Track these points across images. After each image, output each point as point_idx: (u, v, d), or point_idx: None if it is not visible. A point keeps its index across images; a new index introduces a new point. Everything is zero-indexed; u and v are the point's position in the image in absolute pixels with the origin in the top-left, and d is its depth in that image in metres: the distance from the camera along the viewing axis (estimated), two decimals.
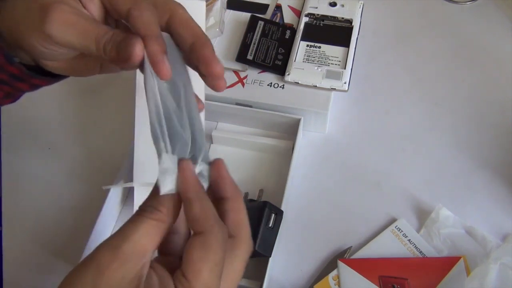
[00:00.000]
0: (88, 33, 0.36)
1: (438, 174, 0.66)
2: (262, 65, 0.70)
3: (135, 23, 0.35)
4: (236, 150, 0.69)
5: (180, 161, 0.34)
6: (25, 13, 0.37)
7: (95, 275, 0.31)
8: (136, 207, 0.34)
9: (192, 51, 0.37)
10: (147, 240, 0.32)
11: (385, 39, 0.78)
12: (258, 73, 0.71)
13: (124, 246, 0.31)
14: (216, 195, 0.36)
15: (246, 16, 0.76)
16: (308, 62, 0.70)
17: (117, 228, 0.33)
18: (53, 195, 0.68)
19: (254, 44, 0.72)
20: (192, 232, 0.34)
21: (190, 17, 0.38)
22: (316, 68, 0.69)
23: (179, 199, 0.34)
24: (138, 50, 0.34)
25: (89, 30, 0.36)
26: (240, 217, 0.36)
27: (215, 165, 0.37)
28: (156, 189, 0.34)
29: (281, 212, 0.59)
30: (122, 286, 0.31)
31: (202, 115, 0.40)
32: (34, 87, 0.46)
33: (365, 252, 0.61)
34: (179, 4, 0.38)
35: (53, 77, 0.45)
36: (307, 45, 0.71)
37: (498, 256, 0.57)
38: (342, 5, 0.74)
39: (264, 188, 0.65)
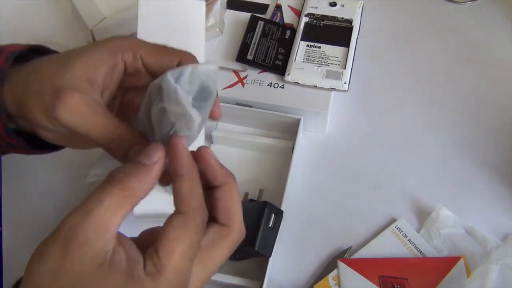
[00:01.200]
0: (96, 127, 0.36)
1: (438, 174, 0.66)
2: (262, 65, 0.70)
3: None
4: (236, 150, 0.69)
5: (173, 137, 0.34)
6: (37, 90, 0.37)
7: (60, 254, 0.30)
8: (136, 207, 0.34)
9: None
10: (110, 215, 0.31)
11: (385, 39, 0.78)
12: (258, 73, 0.71)
13: (86, 223, 0.31)
14: (208, 184, 0.36)
15: (246, 16, 0.76)
16: (308, 62, 0.70)
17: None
18: (53, 195, 0.68)
19: (254, 44, 0.72)
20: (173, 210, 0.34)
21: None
22: (316, 68, 0.69)
23: (156, 169, 0.33)
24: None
25: (98, 125, 0.36)
26: (230, 205, 0.36)
27: (200, 154, 0.36)
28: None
29: (281, 212, 0.59)
30: (85, 265, 0.30)
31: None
32: (28, 153, 0.48)
33: (365, 252, 0.61)
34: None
35: (47, 147, 0.46)
36: (307, 45, 0.71)
37: (499, 256, 0.57)
38: (342, 5, 0.74)
39: (264, 188, 0.65)
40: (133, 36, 0.51)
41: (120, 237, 0.33)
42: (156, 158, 0.33)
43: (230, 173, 0.37)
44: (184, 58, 0.38)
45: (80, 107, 0.36)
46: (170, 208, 0.34)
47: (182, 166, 0.34)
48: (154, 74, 0.39)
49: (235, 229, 0.36)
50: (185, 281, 0.33)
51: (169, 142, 0.34)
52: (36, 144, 0.45)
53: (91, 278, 0.31)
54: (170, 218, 0.33)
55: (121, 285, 0.31)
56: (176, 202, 0.33)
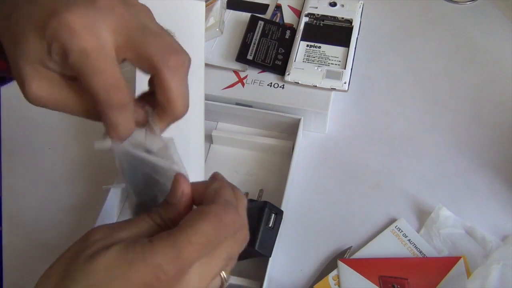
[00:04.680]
0: (68, 107, 0.35)
1: (438, 174, 0.66)
2: (262, 65, 0.70)
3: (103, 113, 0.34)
4: (236, 150, 0.69)
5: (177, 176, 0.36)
6: (10, 59, 0.36)
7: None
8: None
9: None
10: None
11: (385, 39, 0.78)
12: (258, 73, 0.71)
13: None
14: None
15: (246, 16, 0.76)
16: (308, 62, 0.70)
17: None
18: (53, 195, 0.68)
19: (254, 44, 0.72)
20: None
21: (176, 81, 0.35)
22: (316, 68, 0.69)
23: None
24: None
25: (68, 105, 0.35)
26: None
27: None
28: None
29: (281, 212, 0.59)
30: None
31: (202, 115, 0.41)
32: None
33: (365, 252, 0.61)
34: (165, 61, 0.34)
35: None
36: (307, 45, 0.71)
37: (499, 256, 0.57)
38: (342, 5, 0.74)
39: (264, 188, 0.65)
40: None
41: None
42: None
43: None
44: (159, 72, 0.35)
45: (42, 94, 0.34)
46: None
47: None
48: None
49: (214, 207, 0.34)
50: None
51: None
52: None
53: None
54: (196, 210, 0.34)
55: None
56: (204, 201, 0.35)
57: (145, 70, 0.35)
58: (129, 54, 0.34)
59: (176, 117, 0.37)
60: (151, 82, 0.36)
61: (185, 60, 0.35)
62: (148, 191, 0.38)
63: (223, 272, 0.35)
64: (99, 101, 0.33)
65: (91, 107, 0.35)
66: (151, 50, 0.34)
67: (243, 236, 0.36)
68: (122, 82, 0.33)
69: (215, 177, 0.38)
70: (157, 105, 0.36)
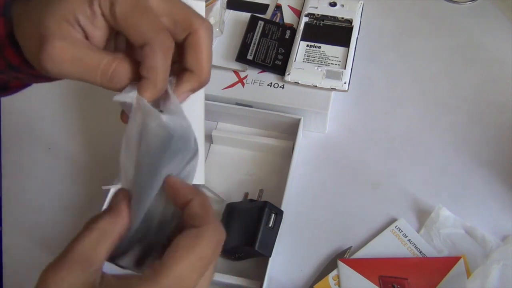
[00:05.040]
0: (85, 72, 0.35)
1: (438, 174, 0.66)
2: (262, 65, 0.70)
3: (144, 62, 0.34)
4: (236, 150, 0.69)
5: (167, 179, 0.35)
6: (28, 36, 0.36)
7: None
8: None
9: (187, 76, 0.37)
10: (91, 249, 0.32)
11: (385, 39, 0.78)
12: (258, 73, 0.71)
13: (68, 256, 0.32)
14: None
15: (246, 16, 0.76)
16: (308, 62, 0.70)
17: None
18: (53, 195, 0.68)
19: (254, 44, 0.72)
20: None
21: (207, 42, 0.37)
22: (316, 68, 0.69)
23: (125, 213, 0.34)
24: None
25: (86, 70, 0.35)
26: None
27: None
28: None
29: (281, 212, 0.59)
30: None
31: (202, 115, 0.40)
32: (31, 79, 0.45)
33: (365, 252, 0.61)
34: (202, 22, 0.36)
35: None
36: (307, 45, 0.71)
37: (499, 256, 0.57)
38: (342, 5, 0.74)
39: (264, 188, 0.65)
40: None
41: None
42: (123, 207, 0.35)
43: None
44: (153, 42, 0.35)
45: (63, 56, 0.34)
46: None
47: (183, 193, 0.35)
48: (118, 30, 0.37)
49: (209, 229, 0.34)
50: None
51: (166, 184, 0.35)
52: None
53: None
54: (183, 232, 0.33)
55: None
56: (190, 219, 0.34)
57: (179, 32, 0.36)
58: (165, 18, 0.36)
59: (203, 81, 0.37)
60: (178, 49, 0.37)
61: (211, 26, 0.38)
62: (149, 170, 0.36)
63: None
64: (149, 43, 0.34)
65: (113, 72, 0.35)
66: (189, 13, 0.36)
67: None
68: (167, 30, 0.35)
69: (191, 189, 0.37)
70: (183, 70, 0.37)
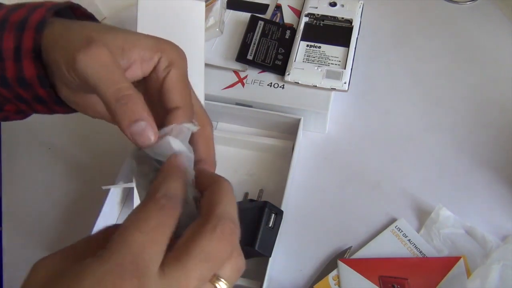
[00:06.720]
0: (107, 80, 0.36)
1: (438, 174, 0.66)
2: (262, 65, 0.70)
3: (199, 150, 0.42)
4: (236, 150, 0.69)
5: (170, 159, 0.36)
6: (72, 37, 0.38)
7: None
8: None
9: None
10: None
11: (385, 39, 0.78)
12: (258, 73, 0.71)
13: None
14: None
15: (246, 16, 0.76)
16: (308, 62, 0.70)
17: None
18: (53, 195, 0.68)
19: (254, 44, 0.72)
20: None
21: (211, 137, 0.43)
22: (316, 68, 0.69)
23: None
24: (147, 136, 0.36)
25: (109, 79, 0.36)
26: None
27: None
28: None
29: (281, 212, 0.59)
30: None
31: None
32: (49, 112, 0.47)
33: (365, 252, 0.61)
34: (208, 121, 0.43)
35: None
36: (307, 45, 0.71)
37: (499, 256, 0.57)
38: (342, 5, 0.74)
39: (264, 188, 0.65)
40: None
41: None
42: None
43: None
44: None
45: (101, 59, 0.36)
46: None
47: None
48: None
49: (215, 216, 0.34)
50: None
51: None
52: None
53: None
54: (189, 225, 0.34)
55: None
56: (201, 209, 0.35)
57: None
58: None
59: (213, 169, 0.46)
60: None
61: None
62: None
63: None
64: (197, 133, 0.42)
65: (126, 96, 0.36)
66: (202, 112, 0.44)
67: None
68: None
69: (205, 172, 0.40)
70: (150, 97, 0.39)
